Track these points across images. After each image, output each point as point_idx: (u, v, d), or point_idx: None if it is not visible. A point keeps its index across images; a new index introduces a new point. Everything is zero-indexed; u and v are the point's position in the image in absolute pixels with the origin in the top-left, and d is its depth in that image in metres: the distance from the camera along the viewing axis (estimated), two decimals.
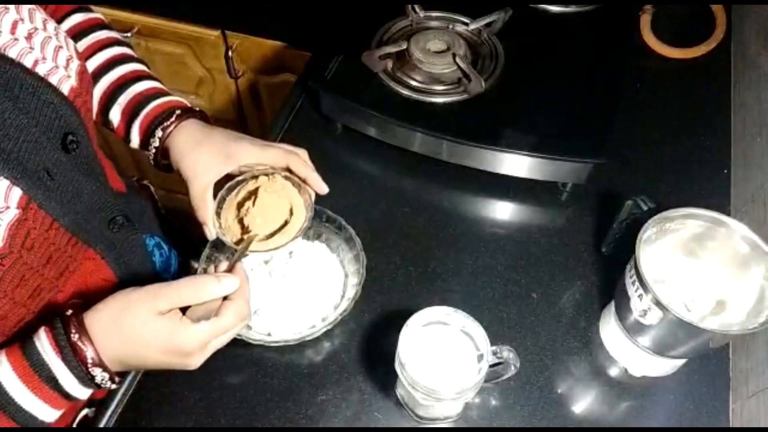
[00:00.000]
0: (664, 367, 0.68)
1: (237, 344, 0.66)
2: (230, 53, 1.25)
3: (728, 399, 0.69)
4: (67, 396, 0.53)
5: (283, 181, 0.67)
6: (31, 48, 0.55)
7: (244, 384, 0.69)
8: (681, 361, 0.69)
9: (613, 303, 0.69)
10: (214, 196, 0.66)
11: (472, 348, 0.61)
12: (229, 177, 0.67)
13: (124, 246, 0.67)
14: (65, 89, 0.57)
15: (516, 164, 0.81)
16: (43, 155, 0.53)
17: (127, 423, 0.67)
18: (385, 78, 0.85)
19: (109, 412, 0.67)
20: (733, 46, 1.02)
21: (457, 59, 0.84)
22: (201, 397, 0.68)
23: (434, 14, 0.93)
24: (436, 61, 0.84)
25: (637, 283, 0.61)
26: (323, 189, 0.68)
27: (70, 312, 0.52)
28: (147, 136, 0.70)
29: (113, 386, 0.55)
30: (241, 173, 0.67)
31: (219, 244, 0.73)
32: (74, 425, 0.67)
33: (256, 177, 0.67)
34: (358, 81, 0.85)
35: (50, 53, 0.57)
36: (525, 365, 0.68)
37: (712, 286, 0.67)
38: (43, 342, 0.51)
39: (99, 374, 0.52)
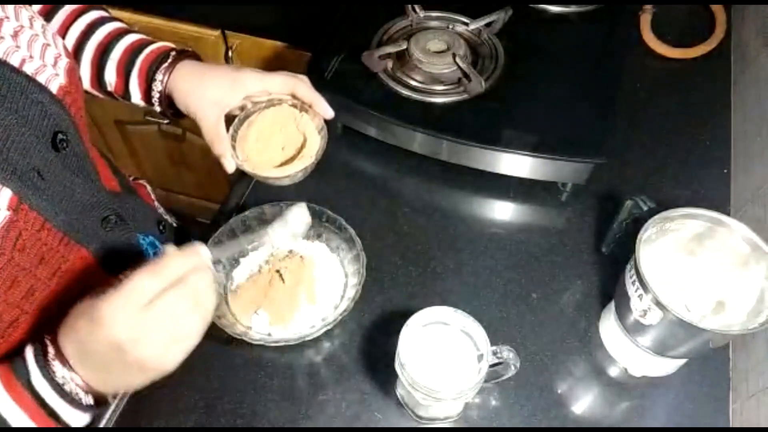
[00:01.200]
0: (664, 367, 0.68)
1: (237, 344, 0.66)
2: (230, 53, 1.25)
3: (728, 399, 0.69)
4: (58, 419, 0.51)
5: (292, 108, 0.69)
6: (17, 46, 0.54)
7: (244, 384, 0.69)
8: (681, 361, 0.69)
9: (613, 303, 0.69)
10: (226, 130, 0.67)
11: (472, 348, 0.61)
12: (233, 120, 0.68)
13: (117, 245, 0.67)
14: (54, 88, 0.57)
15: (516, 164, 0.81)
16: (33, 155, 0.53)
17: (127, 423, 0.67)
18: (385, 78, 0.85)
19: (109, 412, 0.67)
20: (733, 46, 1.02)
21: (457, 59, 0.84)
22: (201, 397, 0.68)
23: (434, 14, 0.93)
24: (436, 61, 0.84)
25: (637, 283, 0.61)
26: (329, 113, 0.70)
27: (48, 338, 0.51)
28: (147, 83, 0.70)
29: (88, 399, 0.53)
30: (248, 105, 0.68)
31: (219, 243, 0.73)
32: None
33: (264, 107, 0.68)
34: (358, 81, 0.85)
35: (38, 51, 0.57)
36: (525, 365, 0.68)
37: (712, 286, 0.67)
38: (29, 362, 0.50)
39: (82, 396, 0.51)
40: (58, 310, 0.59)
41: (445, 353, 0.61)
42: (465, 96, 0.83)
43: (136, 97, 0.72)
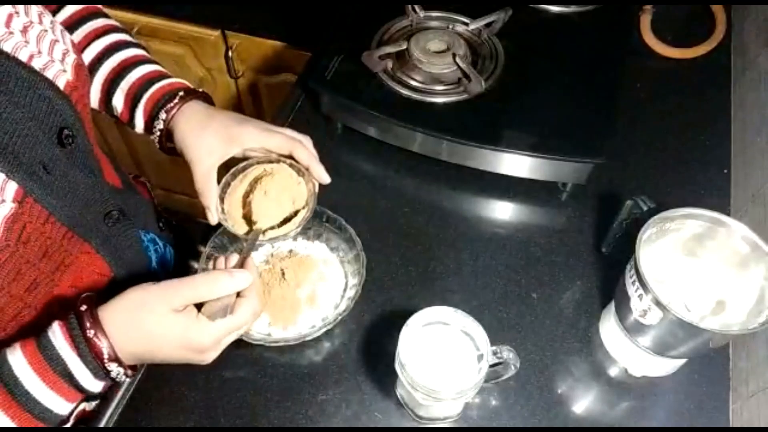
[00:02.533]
0: (664, 367, 0.69)
1: (237, 344, 0.66)
2: (230, 53, 1.25)
3: (728, 399, 0.69)
4: (81, 390, 0.53)
5: (288, 169, 0.67)
6: (26, 42, 0.55)
7: (244, 384, 0.69)
8: (681, 361, 0.69)
9: (613, 303, 0.69)
10: (218, 181, 0.66)
11: (472, 348, 0.61)
12: (232, 163, 0.67)
13: (120, 240, 0.67)
14: (61, 83, 0.57)
15: (516, 164, 0.81)
16: (39, 149, 0.53)
17: (127, 423, 0.67)
18: (385, 78, 0.85)
19: (109, 412, 0.67)
20: (733, 46, 1.02)
21: (457, 59, 0.84)
22: (201, 397, 0.68)
23: (434, 14, 0.93)
24: (436, 61, 0.84)
25: (637, 283, 0.61)
26: (325, 179, 0.68)
27: (84, 307, 0.52)
28: (151, 118, 0.70)
29: (127, 380, 0.56)
30: (245, 158, 0.67)
31: (220, 245, 0.73)
32: (71, 419, 0.67)
33: (260, 163, 0.67)
34: (358, 81, 0.85)
35: (46, 47, 0.57)
36: (525, 365, 0.68)
37: (712, 286, 0.67)
38: (57, 337, 0.51)
39: (115, 369, 0.53)
40: (59, 305, 0.59)
41: (445, 353, 0.61)
42: (465, 96, 0.83)
43: (140, 128, 0.72)
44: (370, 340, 0.72)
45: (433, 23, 0.92)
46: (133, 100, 0.71)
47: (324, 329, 0.68)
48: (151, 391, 0.69)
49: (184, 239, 0.90)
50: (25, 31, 0.55)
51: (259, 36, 1.22)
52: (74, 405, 0.54)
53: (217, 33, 1.24)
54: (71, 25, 0.71)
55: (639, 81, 0.97)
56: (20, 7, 0.56)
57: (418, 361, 0.60)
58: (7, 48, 0.53)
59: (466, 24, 0.91)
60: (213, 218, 0.66)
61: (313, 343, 0.71)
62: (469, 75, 0.82)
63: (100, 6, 0.75)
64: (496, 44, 0.89)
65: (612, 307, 0.70)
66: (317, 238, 0.77)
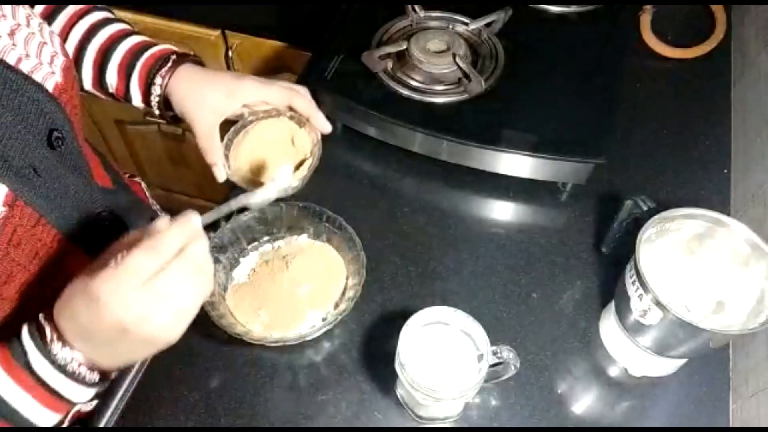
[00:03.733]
0: (664, 367, 0.68)
1: (237, 344, 0.66)
2: (230, 53, 1.25)
3: (728, 399, 0.69)
4: (62, 398, 0.51)
5: (289, 121, 0.67)
6: (14, 45, 0.55)
7: (244, 384, 0.69)
8: (681, 361, 0.69)
9: (613, 303, 0.69)
10: (221, 139, 0.67)
11: (472, 348, 0.61)
12: (231, 121, 0.68)
13: (110, 241, 0.66)
14: (50, 86, 0.57)
15: (516, 164, 0.81)
16: (29, 152, 0.53)
17: (127, 423, 0.67)
18: (385, 78, 0.85)
19: (109, 412, 0.67)
20: (733, 46, 1.02)
21: (457, 59, 0.84)
22: (201, 397, 0.68)
23: (434, 14, 0.93)
24: (436, 61, 0.84)
25: (637, 283, 0.61)
26: (327, 127, 0.69)
27: (42, 316, 0.49)
28: (147, 86, 0.69)
29: (107, 382, 0.52)
30: (245, 114, 0.67)
31: (219, 244, 0.73)
32: (67, 419, 0.67)
33: (262, 118, 0.67)
34: (358, 81, 0.85)
35: (34, 50, 0.57)
36: (525, 365, 0.68)
37: (712, 286, 0.67)
38: (27, 344, 0.49)
39: (86, 373, 0.50)
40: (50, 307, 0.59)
41: (445, 353, 0.61)
42: (465, 96, 0.83)
43: (137, 99, 0.72)
44: (370, 340, 0.72)
45: (433, 23, 0.92)
46: (126, 71, 0.70)
47: (324, 329, 0.67)
48: (151, 391, 0.69)
49: None
50: (12, 34, 0.55)
51: (259, 36, 1.22)
52: (59, 415, 0.52)
53: (217, 33, 1.24)
54: (53, 12, 0.70)
55: (639, 81, 0.97)
56: (7, 10, 0.56)
57: (418, 361, 0.60)
58: None
59: (466, 24, 0.91)
60: (221, 174, 0.66)
61: (313, 343, 0.71)
62: (469, 75, 0.82)
63: None
64: (496, 44, 0.89)
65: (612, 307, 0.70)
66: (317, 237, 0.77)
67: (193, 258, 0.49)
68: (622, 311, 0.66)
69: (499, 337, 0.71)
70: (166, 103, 0.70)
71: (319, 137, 0.67)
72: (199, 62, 0.72)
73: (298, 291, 0.72)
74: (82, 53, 0.71)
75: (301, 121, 0.67)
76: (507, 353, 0.61)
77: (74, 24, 0.71)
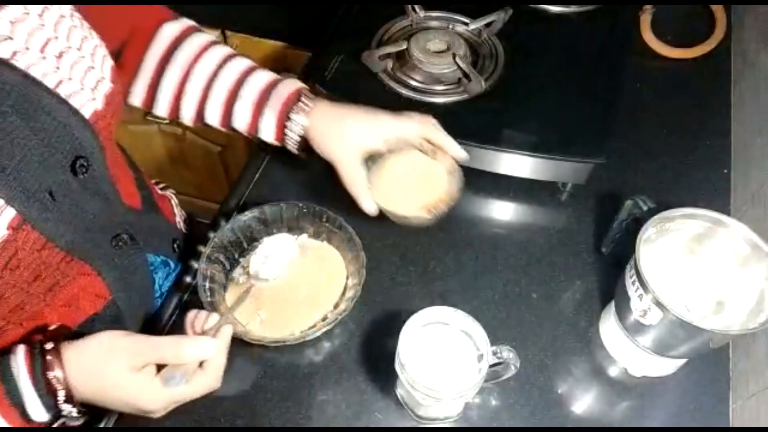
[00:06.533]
0: (664, 367, 0.69)
1: (237, 344, 0.66)
2: None
3: (728, 399, 0.69)
4: (28, 419, 0.54)
5: (421, 156, 0.71)
6: (57, 68, 0.54)
7: (244, 384, 0.69)
8: (681, 361, 0.69)
9: (613, 303, 0.69)
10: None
11: (472, 348, 0.61)
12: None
13: (125, 264, 0.66)
14: (87, 111, 0.56)
15: (516, 164, 0.81)
16: (48, 177, 0.52)
17: (127, 423, 0.67)
18: (385, 78, 0.85)
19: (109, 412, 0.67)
20: (733, 46, 1.02)
21: (457, 59, 0.84)
22: (201, 397, 0.68)
23: (434, 14, 0.93)
24: (436, 61, 0.84)
25: (637, 283, 0.61)
26: (462, 155, 0.71)
27: (50, 346, 0.54)
28: (283, 123, 0.71)
29: (77, 421, 0.58)
30: (382, 148, 0.70)
31: (219, 245, 0.73)
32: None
33: (398, 151, 0.71)
34: (358, 81, 0.85)
35: (78, 74, 0.56)
36: (525, 365, 0.68)
37: (712, 286, 0.67)
38: (20, 369, 0.53)
39: (67, 409, 0.55)
40: (51, 319, 0.59)
41: (445, 353, 0.61)
42: (465, 96, 0.83)
43: (268, 136, 0.73)
44: (370, 340, 0.72)
45: (433, 23, 0.92)
46: (260, 110, 0.72)
47: (324, 329, 0.67)
48: None
49: (191, 247, 0.88)
50: (60, 56, 0.55)
51: (259, 36, 1.22)
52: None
53: (217, 33, 1.24)
54: (171, 46, 0.72)
55: (639, 81, 0.97)
56: (62, 32, 0.55)
57: (418, 361, 0.60)
58: (36, 73, 0.52)
59: (466, 24, 0.91)
60: (372, 207, 0.69)
61: (313, 343, 0.71)
62: (469, 75, 0.82)
63: (192, 23, 0.76)
64: (496, 44, 0.89)
65: (612, 307, 0.70)
66: (317, 238, 0.77)
67: (211, 373, 0.59)
68: (622, 311, 0.66)
69: (499, 337, 0.71)
70: (303, 139, 0.72)
71: (455, 164, 0.71)
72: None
73: (298, 291, 0.72)
74: (209, 91, 0.73)
75: (432, 150, 0.71)
76: (507, 353, 0.61)
77: (196, 61, 0.73)
